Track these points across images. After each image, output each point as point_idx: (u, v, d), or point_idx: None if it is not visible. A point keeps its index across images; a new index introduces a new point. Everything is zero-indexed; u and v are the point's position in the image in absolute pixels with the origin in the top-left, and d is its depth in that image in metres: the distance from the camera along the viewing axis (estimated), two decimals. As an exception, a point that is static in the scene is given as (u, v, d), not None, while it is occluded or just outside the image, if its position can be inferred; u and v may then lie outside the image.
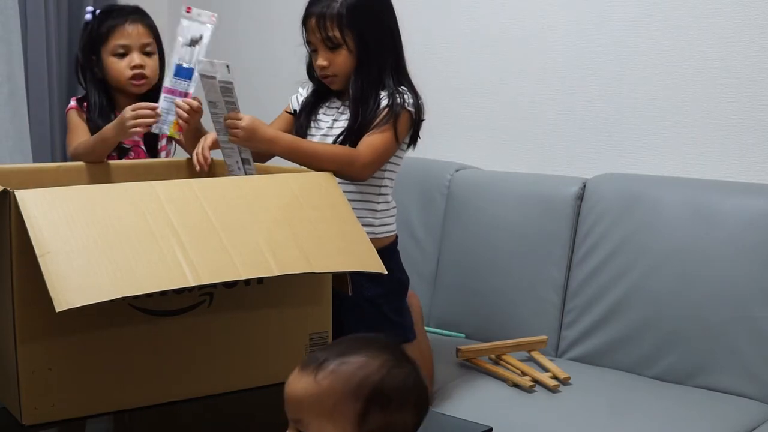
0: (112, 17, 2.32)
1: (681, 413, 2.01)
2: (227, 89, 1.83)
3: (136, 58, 2.29)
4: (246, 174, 1.94)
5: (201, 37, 2.10)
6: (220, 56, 1.98)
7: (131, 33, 2.29)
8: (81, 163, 2.09)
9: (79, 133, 2.27)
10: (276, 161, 2.06)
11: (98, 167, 2.07)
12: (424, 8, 2.94)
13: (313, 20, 2.03)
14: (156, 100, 2.23)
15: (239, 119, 1.86)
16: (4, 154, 3.20)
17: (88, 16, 2.35)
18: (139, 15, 2.34)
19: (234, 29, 3.55)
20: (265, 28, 3.46)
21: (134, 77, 2.29)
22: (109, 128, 2.12)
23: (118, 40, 2.29)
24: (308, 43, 2.08)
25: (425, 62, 2.93)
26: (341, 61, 2.03)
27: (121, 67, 2.29)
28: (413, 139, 2.12)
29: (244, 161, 1.93)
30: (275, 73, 3.27)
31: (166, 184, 1.59)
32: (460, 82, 2.90)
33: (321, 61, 2.04)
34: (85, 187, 1.59)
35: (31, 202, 1.43)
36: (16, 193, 1.44)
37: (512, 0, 2.76)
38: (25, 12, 3.29)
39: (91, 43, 2.33)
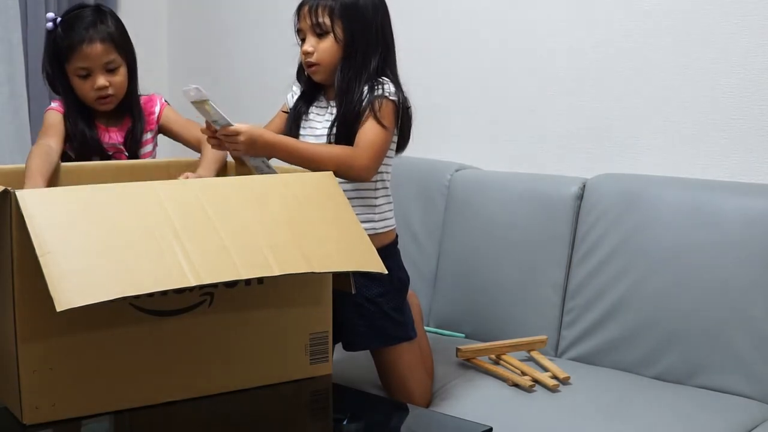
0: (72, 33, 2.14)
1: (681, 413, 2.01)
2: (214, 108, 1.84)
3: (99, 80, 2.15)
4: (273, 170, 1.96)
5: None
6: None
7: (89, 54, 2.13)
8: (81, 163, 2.09)
9: (55, 134, 2.14)
10: (275, 162, 2.06)
11: (98, 167, 2.07)
12: (424, 9, 2.95)
13: (306, 7, 2.07)
14: (128, 111, 2.22)
15: (236, 134, 1.86)
16: (4, 154, 3.21)
17: (50, 25, 2.17)
18: (95, 30, 2.14)
19: (228, 30, 3.55)
20: (259, 28, 3.45)
21: (99, 98, 2.18)
22: None
23: (77, 63, 2.15)
24: (299, 31, 2.10)
25: (425, 62, 2.94)
26: (325, 48, 2.05)
27: (85, 89, 2.17)
28: (405, 138, 2.12)
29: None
30: (270, 74, 3.27)
31: (166, 184, 1.60)
32: (460, 83, 2.90)
33: (307, 47, 2.07)
34: (85, 187, 1.59)
35: (31, 202, 1.43)
36: (16, 193, 1.44)
37: (512, 0, 2.76)
38: (25, 12, 3.29)
39: (56, 55, 2.17)
